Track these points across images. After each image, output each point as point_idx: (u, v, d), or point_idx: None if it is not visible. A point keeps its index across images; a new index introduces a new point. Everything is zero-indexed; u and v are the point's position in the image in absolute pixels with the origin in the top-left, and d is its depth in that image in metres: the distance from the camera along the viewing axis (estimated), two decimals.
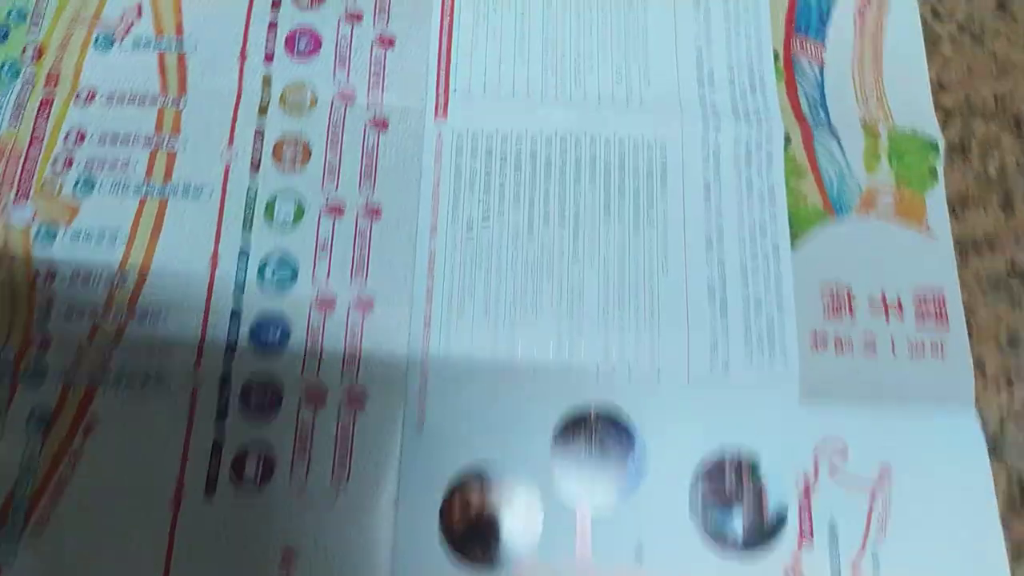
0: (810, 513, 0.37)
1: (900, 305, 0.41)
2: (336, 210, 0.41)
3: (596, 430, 0.38)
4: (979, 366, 0.41)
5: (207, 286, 0.39)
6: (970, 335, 0.41)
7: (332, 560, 0.36)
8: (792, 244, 0.41)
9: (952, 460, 0.38)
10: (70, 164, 0.41)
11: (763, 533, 0.37)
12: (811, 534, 0.37)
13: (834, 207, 0.42)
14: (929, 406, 0.39)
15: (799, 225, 0.42)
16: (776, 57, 0.45)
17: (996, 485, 0.38)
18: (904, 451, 0.38)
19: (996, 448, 0.39)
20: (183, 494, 0.36)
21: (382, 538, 0.36)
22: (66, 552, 0.35)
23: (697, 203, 0.42)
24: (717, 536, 0.37)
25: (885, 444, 0.38)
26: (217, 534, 0.36)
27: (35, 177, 0.40)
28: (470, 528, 0.37)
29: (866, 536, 0.37)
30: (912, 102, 0.45)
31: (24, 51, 0.43)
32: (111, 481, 0.36)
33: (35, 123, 0.41)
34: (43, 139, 0.41)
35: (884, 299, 0.41)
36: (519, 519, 0.37)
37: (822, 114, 0.44)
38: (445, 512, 0.37)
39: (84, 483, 0.36)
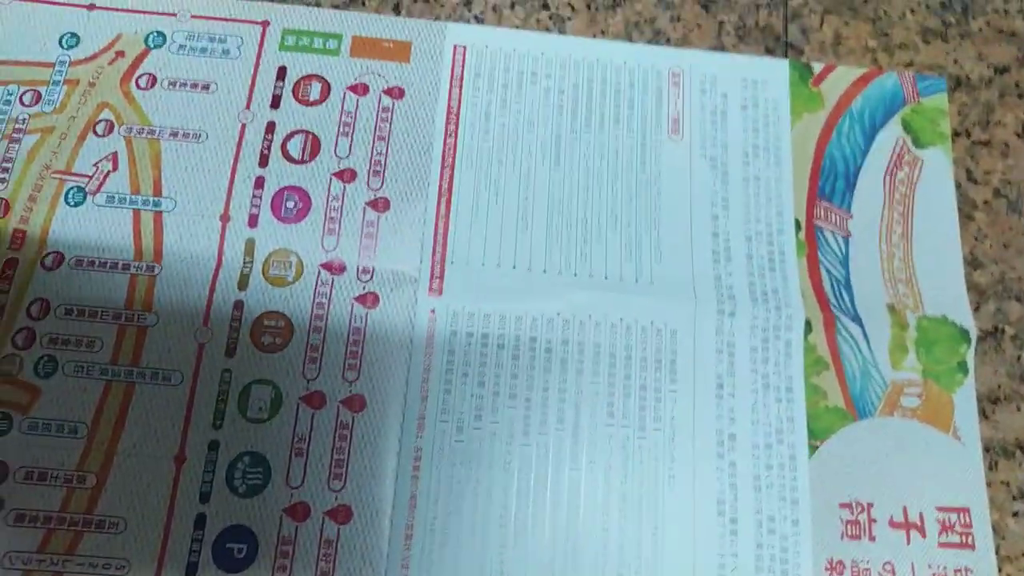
0: None
1: (923, 523, 0.33)
2: (315, 401, 0.33)
3: None
4: None
5: (170, 493, 0.32)
6: (997, 554, 0.33)
7: None
8: (810, 451, 0.34)
9: None
10: (32, 340, 0.33)
11: None
12: None
13: (856, 407, 0.35)
14: None
15: (818, 429, 0.34)
16: (798, 227, 0.37)
17: None
18: None
19: None
20: None
21: None
22: None
23: (708, 401, 0.34)
24: None
25: None
26: None
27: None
28: None
29: None
30: (944, 282, 0.37)
31: None
32: None
33: None
34: (4, 308, 0.34)
35: (906, 516, 0.33)
36: None
37: (846, 297, 0.36)
38: None
39: None
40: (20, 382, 0.33)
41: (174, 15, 0.39)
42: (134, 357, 0.33)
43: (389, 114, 0.37)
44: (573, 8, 0.41)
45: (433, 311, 0.35)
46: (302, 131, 0.37)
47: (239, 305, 0.34)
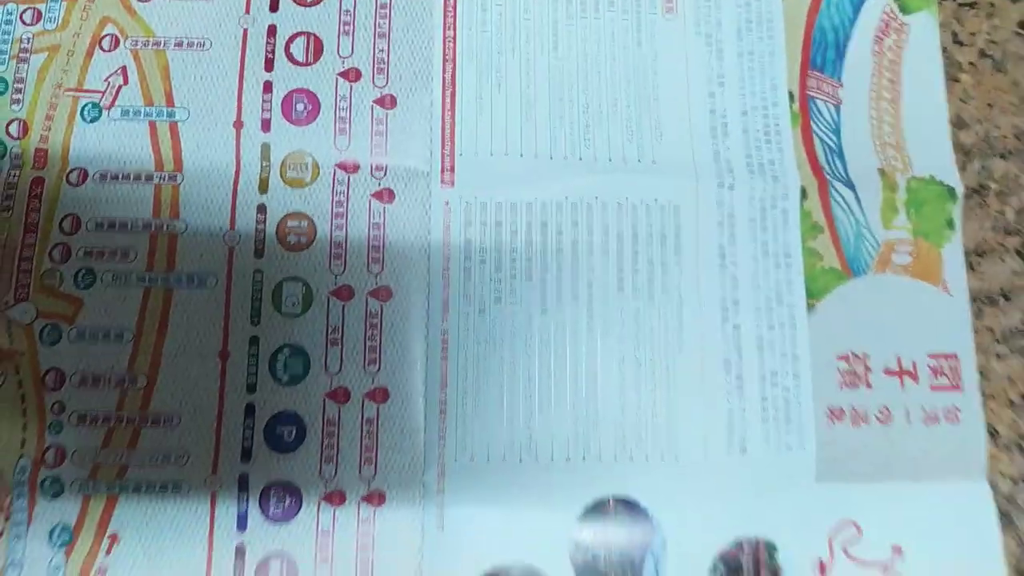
0: None
1: (915, 370, 0.36)
2: (344, 294, 0.35)
3: (616, 522, 0.34)
4: (991, 430, 0.36)
5: (219, 385, 0.34)
6: (983, 396, 0.36)
7: None
8: (808, 310, 0.36)
9: (963, 531, 0.34)
10: (68, 254, 0.35)
11: None
12: None
13: (850, 266, 0.36)
14: (942, 478, 0.35)
15: (815, 289, 0.36)
16: (792, 98, 0.38)
17: (1006, 552, 0.34)
18: (915, 528, 0.34)
19: (1007, 515, 0.35)
20: None
21: None
22: None
23: (712, 270, 0.36)
24: None
25: (897, 523, 0.34)
26: None
27: (33, 269, 0.34)
28: None
29: None
30: (931, 144, 0.38)
31: (8, 127, 0.36)
32: None
33: (28, 207, 0.35)
34: (38, 225, 0.35)
35: (900, 365, 0.36)
36: None
37: (839, 164, 0.37)
38: None
39: None
40: (62, 294, 0.34)
41: None
42: (168, 264, 0.35)
43: (387, 10, 0.37)
44: None
45: (447, 203, 0.36)
46: (304, 33, 0.37)
47: (262, 208, 0.35)
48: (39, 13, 0.37)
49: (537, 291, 0.35)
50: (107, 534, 0.32)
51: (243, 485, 0.33)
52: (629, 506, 0.34)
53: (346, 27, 0.37)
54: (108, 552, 0.32)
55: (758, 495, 0.34)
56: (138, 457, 0.33)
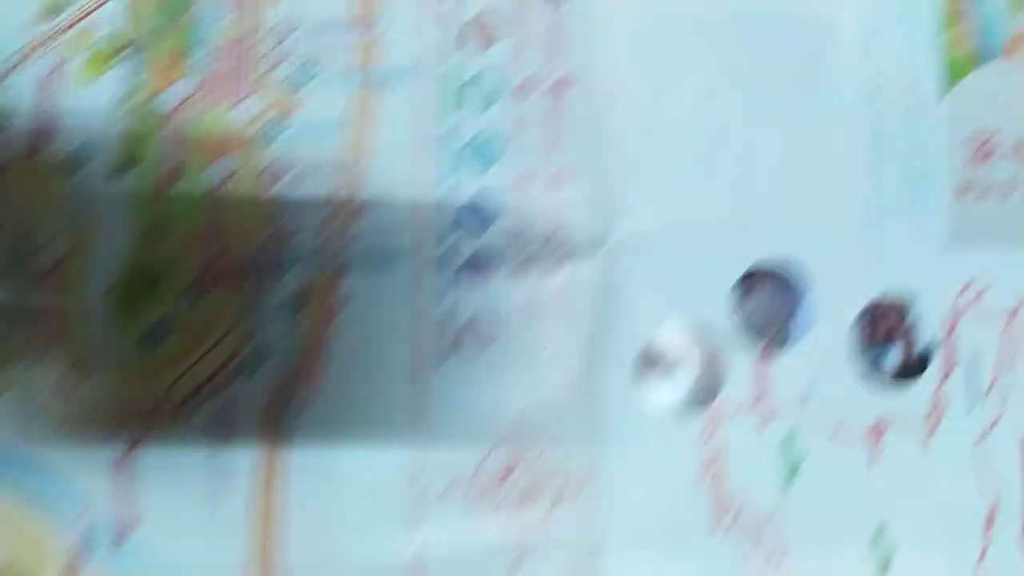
0: (953, 349, 0.38)
1: None
2: (529, 85, 0.38)
3: (768, 285, 0.38)
4: None
5: (421, 170, 0.38)
6: None
7: (557, 406, 0.37)
8: (944, 94, 0.39)
9: None
10: (284, 54, 0.37)
11: (912, 369, 0.38)
12: (953, 367, 0.38)
13: (983, 53, 0.39)
14: None
15: (952, 74, 0.39)
16: None
17: None
18: None
19: None
20: (422, 362, 0.37)
21: (591, 384, 0.38)
22: (331, 427, 0.37)
23: (856, 56, 0.39)
24: (871, 375, 0.38)
25: (1020, 280, 0.39)
26: (458, 393, 0.37)
27: (256, 69, 0.37)
28: (667, 372, 0.38)
29: (998, 368, 0.38)
30: None
31: None
32: (359, 353, 0.37)
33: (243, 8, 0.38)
34: (257, 28, 0.37)
35: None
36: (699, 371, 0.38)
37: None
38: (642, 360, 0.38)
39: (336, 363, 0.37)
40: (280, 93, 0.37)
41: None
42: (373, 62, 0.38)
43: None
44: None
45: None
46: None
47: (456, 5, 0.38)
48: None
49: (702, 79, 0.38)
50: (331, 302, 0.37)
51: (448, 258, 0.37)
52: (782, 273, 0.38)
53: None
54: (336, 316, 0.37)
55: (896, 258, 0.38)
56: (356, 235, 0.37)
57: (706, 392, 0.38)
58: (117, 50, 0.37)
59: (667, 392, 0.38)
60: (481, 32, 0.38)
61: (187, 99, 0.37)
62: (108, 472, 0.36)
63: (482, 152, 0.38)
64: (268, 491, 0.36)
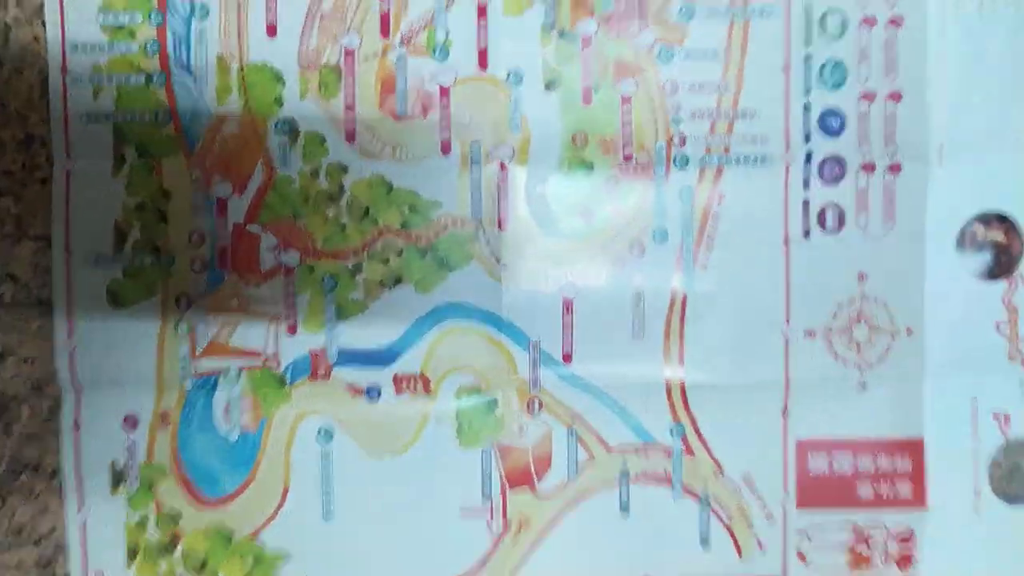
0: None
1: None
2: (871, 21, 0.45)
3: None
4: None
5: (784, 89, 0.45)
6: None
7: (889, 277, 0.45)
8: None
9: None
10: None
11: None
12: None
13: None
14: None
15: None
16: None
17: None
18: None
19: None
20: (789, 239, 0.45)
21: (916, 259, 0.45)
22: (720, 278, 0.45)
23: None
24: None
25: None
26: (817, 263, 0.45)
27: (649, 6, 0.45)
28: (978, 249, 0.45)
29: None
30: None
31: None
32: (740, 231, 0.45)
33: None
34: None
35: None
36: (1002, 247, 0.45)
37: None
38: (959, 242, 0.45)
39: (722, 234, 0.45)
40: (672, 25, 0.44)
41: None
42: (745, 0, 0.44)
43: None
44: None
45: None
46: None
47: None
48: None
49: (1011, 14, 0.44)
50: (717, 192, 0.45)
51: (808, 159, 0.45)
52: None
53: None
54: (719, 204, 0.45)
55: None
56: (734, 140, 0.45)
57: (1009, 263, 0.45)
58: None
59: (979, 262, 0.45)
60: None
61: (596, 32, 0.45)
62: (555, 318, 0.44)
63: (833, 74, 0.45)
64: (673, 326, 0.44)
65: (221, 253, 0.44)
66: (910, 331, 0.44)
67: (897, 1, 0.44)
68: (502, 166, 0.44)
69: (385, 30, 0.44)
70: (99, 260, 0.43)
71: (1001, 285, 0.45)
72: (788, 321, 0.44)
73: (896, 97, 0.45)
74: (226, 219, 0.44)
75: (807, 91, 0.45)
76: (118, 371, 0.43)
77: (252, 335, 0.44)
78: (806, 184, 0.45)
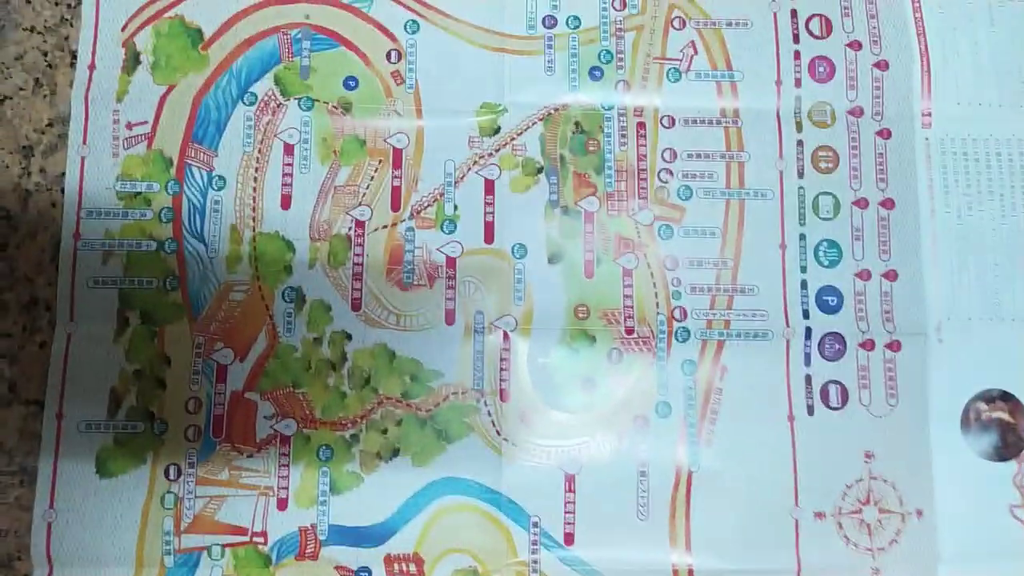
0: None
1: None
2: (862, 203, 0.46)
3: None
4: None
5: (781, 267, 0.45)
6: None
7: (896, 457, 0.44)
8: None
9: None
10: (670, 175, 0.46)
11: None
12: None
13: None
14: None
15: None
16: None
17: None
18: None
19: None
20: (794, 415, 0.44)
21: (922, 439, 0.44)
22: (727, 457, 0.43)
23: None
24: None
25: None
26: (823, 441, 0.44)
27: (648, 187, 0.46)
28: (983, 428, 0.44)
29: None
30: None
31: (616, 86, 0.47)
32: (743, 406, 0.44)
33: (637, 143, 0.46)
34: (646, 157, 0.46)
35: None
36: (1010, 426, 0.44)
37: None
38: (963, 422, 0.44)
39: (726, 409, 0.44)
40: (671, 204, 0.46)
41: None
42: (740, 183, 0.46)
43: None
44: None
45: (927, 139, 0.46)
46: (817, 15, 0.47)
47: (800, 143, 0.46)
48: (624, 2, 0.47)
49: (997, 203, 0.46)
50: (719, 366, 0.44)
51: (808, 335, 0.45)
52: None
53: (845, 12, 0.47)
54: (721, 378, 0.44)
55: None
56: (735, 314, 0.45)
57: (1017, 443, 0.44)
58: (537, 170, 0.46)
59: (985, 443, 0.44)
60: (823, 160, 0.46)
61: (598, 209, 0.46)
62: (556, 495, 0.42)
63: (828, 253, 0.45)
64: (679, 506, 0.42)
65: (217, 421, 0.42)
66: (920, 513, 0.43)
67: (888, 184, 0.46)
68: (505, 336, 0.44)
69: (396, 203, 0.45)
70: (91, 426, 0.42)
71: (1011, 466, 0.43)
72: (797, 502, 0.42)
73: (891, 276, 0.45)
74: (225, 386, 0.42)
75: (803, 268, 0.45)
76: (97, 547, 0.41)
77: (241, 510, 0.42)
78: (807, 360, 0.44)
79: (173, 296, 0.43)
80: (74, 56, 0.45)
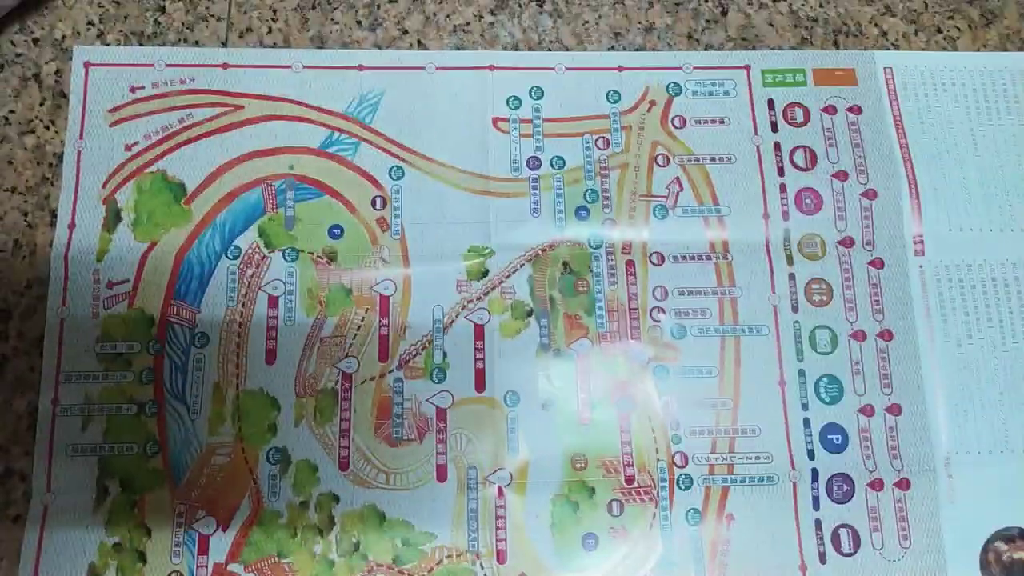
0: None
1: None
2: (860, 336, 0.44)
3: None
4: None
5: (782, 405, 0.43)
6: None
7: None
8: None
9: None
10: (663, 314, 0.44)
11: None
12: None
13: None
14: None
15: None
16: None
17: None
18: None
19: None
20: (804, 564, 0.41)
21: None
22: None
23: None
24: None
25: None
26: None
27: (641, 326, 0.44)
28: (1006, 571, 0.42)
29: None
30: None
31: (603, 224, 0.46)
32: (752, 557, 0.41)
33: (627, 282, 0.45)
34: (637, 296, 0.45)
35: None
36: None
37: None
38: (983, 564, 0.42)
39: (735, 561, 0.41)
40: (664, 343, 0.44)
41: (680, 68, 0.48)
42: (733, 319, 0.44)
43: (856, 126, 0.47)
44: (959, 30, 0.50)
45: (921, 267, 0.45)
46: (800, 146, 0.47)
47: (792, 276, 0.45)
48: (607, 141, 0.47)
49: (996, 330, 0.44)
50: (725, 514, 0.42)
51: (815, 477, 0.42)
52: None
53: (829, 140, 0.47)
54: (728, 528, 0.42)
55: None
56: (738, 457, 0.42)
57: None
58: (527, 313, 0.44)
59: None
60: (817, 293, 0.44)
61: (590, 351, 0.44)
62: None
63: (829, 389, 0.43)
64: None
65: None
66: None
67: (884, 315, 0.44)
68: (500, 492, 0.41)
69: (384, 353, 0.43)
70: None
71: None
72: None
73: (895, 410, 0.43)
74: (207, 558, 0.40)
75: (804, 406, 0.43)
76: None
77: None
78: (816, 504, 0.42)
79: (154, 462, 0.41)
80: (54, 215, 0.44)
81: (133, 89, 0.46)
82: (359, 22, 0.48)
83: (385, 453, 0.42)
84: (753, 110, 0.47)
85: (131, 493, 0.41)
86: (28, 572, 0.39)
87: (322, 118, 0.46)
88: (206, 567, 0.40)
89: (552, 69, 0.47)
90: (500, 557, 0.41)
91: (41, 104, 0.46)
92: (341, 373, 0.43)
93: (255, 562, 0.40)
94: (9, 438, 0.41)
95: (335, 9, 0.48)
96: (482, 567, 0.40)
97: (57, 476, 0.41)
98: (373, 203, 0.45)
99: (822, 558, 0.41)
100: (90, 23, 0.47)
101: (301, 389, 0.42)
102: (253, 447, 0.41)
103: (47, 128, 0.46)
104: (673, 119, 0.47)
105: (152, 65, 0.46)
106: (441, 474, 0.42)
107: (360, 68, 0.46)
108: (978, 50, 0.49)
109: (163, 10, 0.48)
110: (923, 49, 0.49)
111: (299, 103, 0.46)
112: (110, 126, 0.45)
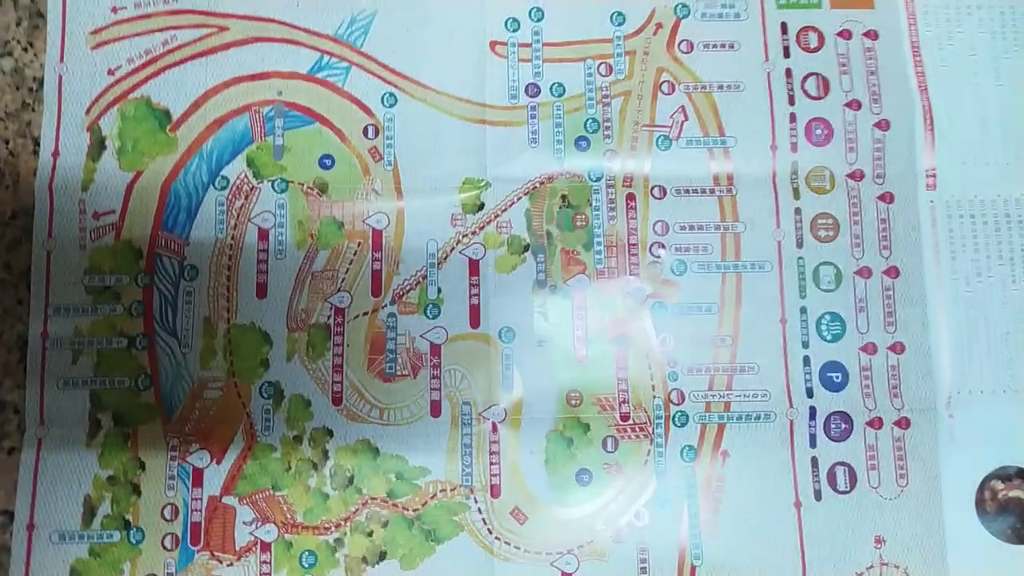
0: None
1: None
2: (865, 273, 0.43)
3: None
4: None
5: (782, 343, 0.42)
6: None
7: (908, 541, 0.41)
8: None
9: None
10: (663, 249, 0.43)
11: None
12: None
13: None
14: None
15: None
16: None
17: None
18: None
19: None
20: (799, 501, 0.41)
21: (935, 522, 0.41)
22: (730, 550, 0.41)
23: None
24: None
25: None
26: (829, 527, 0.41)
27: (640, 262, 0.43)
28: (1000, 509, 0.41)
29: None
30: None
31: (603, 155, 0.44)
32: (747, 493, 0.41)
33: (627, 216, 0.43)
34: (637, 231, 0.43)
35: None
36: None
37: None
38: (979, 502, 0.41)
39: (729, 497, 0.41)
40: (663, 280, 0.43)
41: None
42: (736, 255, 0.43)
43: (872, 52, 0.44)
44: None
45: (932, 202, 0.43)
46: (813, 73, 0.44)
47: (798, 211, 0.43)
48: (610, 67, 0.44)
49: (1007, 268, 0.43)
50: (720, 451, 0.41)
51: (812, 415, 0.42)
52: None
53: (843, 67, 0.44)
54: (723, 464, 0.41)
55: None
56: (735, 395, 0.42)
57: None
58: (523, 248, 0.43)
59: (1002, 524, 0.41)
60: (823, 228, 0.43)
61: (588, 288, 0.42)
62: None
63: (831, 327, 0.42)
64: None
65: (194, 529, 0.40)
66: None
67: (892, 251, 0.43)
68: (494, 428, 0.41)
69: (377, 288, 0.42)
70: (64, 537, 0.39)
71: None
72: None
73: (898, 348, 0.42)
74: (202, 490, 0.40)
75: (805, 344, 0.42)
76: None
77: None
78: (813, 442, 0.41)
79: (146, 396, 0.40)
80: (37, 143, 0.43)
81: (115, 10, 0.43)
82: None
83: (378, 389, 0.41)
84: (765, 34, 0.44)
85: (124, 426, 0.40)
86: (24, 504, 0.39)
87: (311, 40, 0.43)
88: (200, 499, 0.40)
89: None
90: (494, 492, 0.40)
91: (17, 24, 0.44)
92: (333, 308, 0.42)
93: (250, 494, 0.40)
94: (1, 370, 0.41)
95: None
96: (476, 501, 0.40)
97: (50, 409, 0.40)
98: (365, 132, 0.43)
99: (817, 495, 0.41)
100: None
101: (293, 324, 0.41)
102: (245, 381, 0.41)
103: (25, 51, 0.44)
104: (680, 43, 0.44)
105: None
106: (435, 410, 0.41)
107: None
108: None
109: None
110: None
111: (287, 24, 0.43)
112: (92, 49, 0.43)
